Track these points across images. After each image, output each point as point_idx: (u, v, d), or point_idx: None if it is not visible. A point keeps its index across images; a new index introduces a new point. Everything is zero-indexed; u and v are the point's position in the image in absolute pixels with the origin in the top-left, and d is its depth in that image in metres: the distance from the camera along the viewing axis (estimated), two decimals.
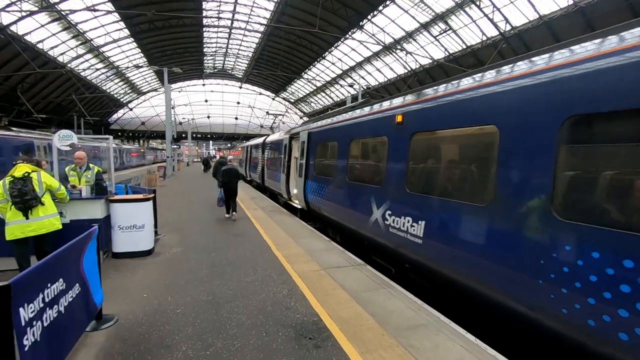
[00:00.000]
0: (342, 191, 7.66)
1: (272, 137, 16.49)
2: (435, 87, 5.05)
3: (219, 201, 10.90)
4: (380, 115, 6.33)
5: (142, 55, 46.98)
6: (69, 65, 39.73)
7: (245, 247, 7.22)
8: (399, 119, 5.47)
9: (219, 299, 4.64)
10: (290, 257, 6.48)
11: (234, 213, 10.20)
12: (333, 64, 45.55)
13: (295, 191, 12.25)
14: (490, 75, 4.04)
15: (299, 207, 11.06)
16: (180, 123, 63.49)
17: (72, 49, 38.72)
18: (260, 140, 20.10)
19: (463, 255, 4.07)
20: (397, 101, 6.01)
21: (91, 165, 7.00)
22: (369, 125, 6.75)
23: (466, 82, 4.40)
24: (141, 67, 45.29)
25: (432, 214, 4.63)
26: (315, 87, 55.45)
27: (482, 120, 3.95)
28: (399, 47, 35.95)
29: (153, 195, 7.34)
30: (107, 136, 8.44)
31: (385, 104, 6.42)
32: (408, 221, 5.08)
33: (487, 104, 3.89)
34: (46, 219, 5.28)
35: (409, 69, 37.69)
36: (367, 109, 7.23)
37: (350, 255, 6.65)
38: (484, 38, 29.30)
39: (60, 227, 5.48)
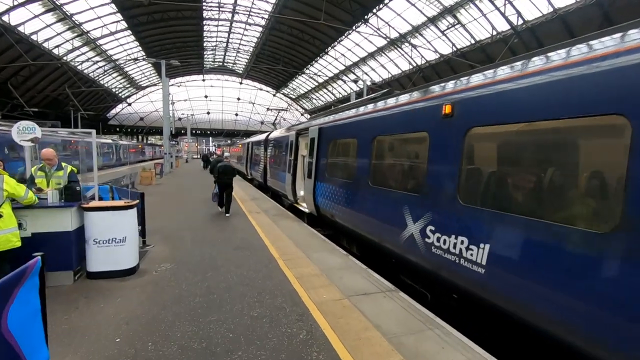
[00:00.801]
0: (362, 197, 6.45)
1: (276, 133, 15.23)
2: (510, 65, 3.80)
3: (213, 196, 10.90)
4: (416, 105, 5.10)
5: (140, 48, 45.53)
6: (64, 58, 38.32)
7: (249, 263, 6.02)
8: (447, 109, 4.25)
9: (216, 346, 3.44)
10: (304, 279, 5.28)
11: (227, 211, 10.38)
12: (336, 59, 44.21)
13: (302, 193, 11.05)
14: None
15: (307, 211, 9.86)
16: (180, 119, 62.23)
17: (67, 41, 37.29)
18: (262, 136, 18.85)
19: (558, 299, 2.88)
20: (439, 88, 4.79)
21: (64, 164, 5.79)
22: (401, 118, 5.52)
23: (577, 52, 3.08)
24: (138, 60, 43.77)
25: (506, 237, 3.42)
26: (317, 83, 54.09)
27: (599, 108, 2.72)
28: (404, 41, 34.66)
29: (138, 201, 6.11)
30: (89, 130, 7.20)
31: (422, 93, 5.20)
32: (462, 242, 3.88)
33: (612, 83, 2.67)
34: (2, 235, 4.13)
35: (415, 64, 36.41)
36: (395, 100, 6.00)
37: (377, 277, 5.44)
38: (494, 33, 28.03)
39: (19, 244, 4.31)
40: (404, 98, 5.71)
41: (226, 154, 25.70)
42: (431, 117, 4.59)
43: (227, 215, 10.19)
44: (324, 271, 5.64)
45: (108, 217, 5.19)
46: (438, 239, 4.27)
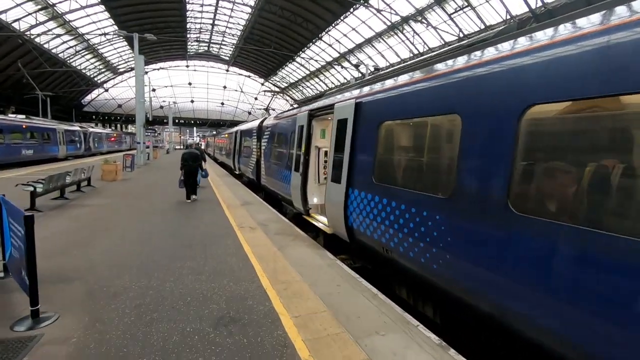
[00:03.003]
0: (488, 233, 3.17)
1: (274, 119, 11.70)
2: None
3: (179, 182, 10.65)
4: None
5: (115, 26, 40.64)
6: (27, 33, 33.38)
7: None
8: None
9: None
10: None
11: (194, 193, 10.73)
12: (330, 45, 40.55)
13: (315, 200, 7.73)
14: None
15: (328, 230, 6.54)
16: (161, 107, 57.48)
17: (30, 14, 32.38)
18: (254, 123, 15.22)
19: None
20: None
21: None
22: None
23: None
24: (109, 35, 38.82)
25: None
26: (309, 72, 50.32)
27: None
28: (406, 26, 31.41)
29: None
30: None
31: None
32: None
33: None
34: None
35: (417, 51, 33.25)
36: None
37: None
38: (508, 17, 25.09)
39: None
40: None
41: (190, 141, 22.16)
42: None
43: (193, 197, 10.60)
44: None
45: None
46: None
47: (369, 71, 29.33)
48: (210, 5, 39.34)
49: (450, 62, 3.85)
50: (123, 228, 7.14)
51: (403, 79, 4.59)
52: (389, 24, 32.43)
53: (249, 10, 38.92)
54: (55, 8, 33.17)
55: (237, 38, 46.75)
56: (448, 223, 3.48)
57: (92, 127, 36.20)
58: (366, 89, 5.47)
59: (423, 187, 3.94)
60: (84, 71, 48.63)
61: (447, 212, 3.49)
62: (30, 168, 18.44)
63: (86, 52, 44.91)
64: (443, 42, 30.28)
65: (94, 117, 57.69)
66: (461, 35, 28.53)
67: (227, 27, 45.05)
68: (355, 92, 5.77)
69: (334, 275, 4.89)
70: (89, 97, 58.17)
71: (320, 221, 7.05)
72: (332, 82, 49.03)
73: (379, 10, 31.52)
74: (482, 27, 27.12)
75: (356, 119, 5.35)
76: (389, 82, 4.94)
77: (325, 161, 7.72)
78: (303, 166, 7.54)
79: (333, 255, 5.80)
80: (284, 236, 6.88)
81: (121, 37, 44.18)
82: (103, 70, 53.09)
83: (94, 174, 14.89)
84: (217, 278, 4.67)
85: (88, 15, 36.67)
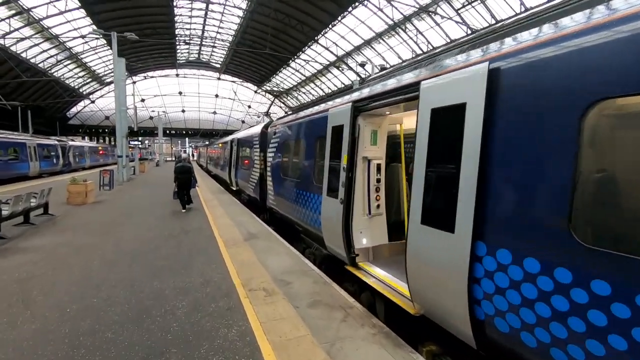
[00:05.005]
0: None
1: (285, 121, 8.76)
2: None
3: (174, 194, 11.35)
4: None
5: (98, 34, 37.58)
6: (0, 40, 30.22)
7: None
8: None
9: None
10: None
11: (189, 203, 11.02)
12: (327, 48, 38.04)
13: (365, 241, 4.90)
14: None
15: (412, 310, 3.65)
16: (151, 117, 54.26)
17: (2, 20, 29.28)
18: (255, 129, 12.25)
19: None
20: None
21: None
22: None
23: None
24: (85, 37, 35.74)
25: None
26: (304, 77, 47.70)
27: None
28: (409, 24, 29.08)
29: None
30: None
31: None
32: None
33: None
34: None
35: (420, 51, 30.87)
36: None
37: None
38: (522, 9, 22.83)
39: None
40: None
41: (183, 155, 20.13)
42: None
43: (188, 207, 10.83)
44: None
45: None
46: None
47: (375, 71, 26.76)
48: (200, 9, 36.61)
49: None
50: (56, 305, 4.23)
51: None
52: (390, 22, 30.05)
53: (240, 13, 36.27)
54: (31, 13, 30.13)
55: (228, 43, 43.99)
56: None
57: (73, 141, 32.85)
58: (510, 42, 2.70)
59: None
60: (67, 82, 45.31)
61: None
62: None
63: (69, 62, 41.65)
64: (449, 40, 27.94)
65: (80, 130, 54.16)
66: (468, 32, 26.25)
67: (217, 32, 42.30)
68: (476, 54, 2.98)
69: None
70: (74, 110, 54.67)
71: (384, 280, 4.23)
72: (329, 87, 46.47)
73: (379, 9, 29.20)
74: (493, 22, 24.84)
75: (494, 101, 2.58)
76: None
77: (378, 180, 4.92)
78: (346, 189, 4.71)
79: None
80: (325, 311, 4.04)
81: (106, 46, 41.18)
82: (88, 80, 49.78)
83: (59, 196, 11.89)
84: None
85: (68, 22, 33.64)
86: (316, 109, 6.46)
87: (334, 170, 5.12)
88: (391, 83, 4.15)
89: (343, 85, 42.58)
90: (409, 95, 3.64)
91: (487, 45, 3.01)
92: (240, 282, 4.91)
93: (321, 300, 4.31)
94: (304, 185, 6.58)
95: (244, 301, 4.27)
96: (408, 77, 3.86)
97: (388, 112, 4.70)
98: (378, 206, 4.96)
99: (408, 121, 5.24)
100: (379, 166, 4.89)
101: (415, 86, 3.49)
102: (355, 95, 4.97)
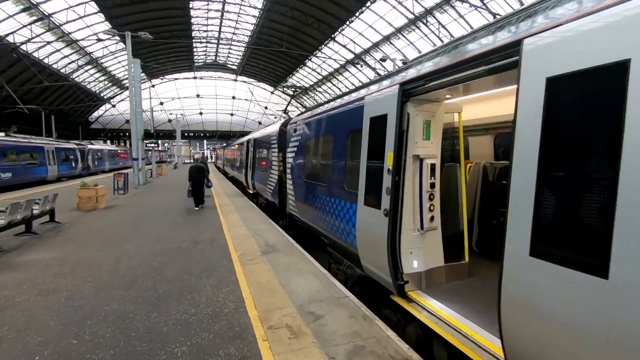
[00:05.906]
0: None
1: (306, 116, 7.62)
2: None
3: (188, 193, 11.88)
4: None
5: (118, 40, 37.74)
6: (22, 47, 30.55)
7: None
8: None
9: None
10: None
11: (202, 202, 11.74)
12: (344, 46, 36.85)
13: (416, 264, 3.79)
14: None
15: None
16: (169, 120, 54.46)
17: (24, 26, 29.55)
18: (272, 128, 11.21)
19: None
20: None
21: None
22: None
23: None
24: (102, 40, 36.00)
25: None
26: (321, 76, 46.63)
27: None
28: (430, 17, 27.59)
29: None
30: None
31: None
32: None
33: None
34: None
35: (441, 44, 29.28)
36: None
37: None
38: None
39: None
40: None
41: (197, 155, 20.06)
42: None
43: (200, 206, 11.64)
44: None
45: None
46: None
47: (397, 66, 25.44)
48: (216, 10, 36.16)
49: None
50: (24, 350, 3.31)
51: None
52: (411, 16, 28.61)
53: (256, 13, 35.59)
54: (51, 19, 30.32)
55: (244, 44, 43.45)
56: None
57: (92, 144, 32.91)
58: None
59: None
60: (88, 86, 45.87)
61: None
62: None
63: (90, 67, 42.08)
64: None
65: (101, 134, 54.94)
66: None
67: (234, 32, 41.83)
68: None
69: None
70: (96, 114, 55.50)
71: (447, 320, 3.10)
72: (346, 87, 45.26)
73: (399, 2, 27.84)
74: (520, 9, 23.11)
75: None
76: None
77: (432, 184, 3.78)
78: (392, 197, 3.61)
79: None
80: None
81: (125, 50, 41.38)
82: (109, 85, 50.36)
83: (71, 201, 11.29)
84: None
85: (88, 27, 33.79)
86: (346, 98, 5.35)
87: (373, 173, 4.03)
88: (471, 49, 3.00)
89: (361, 84, 41.41)
90: (496, 64, 2.51)
91: None
92: (257, 314, 3.88)
93: (364, 346, 3.22)
94: (333, 191, 5.50)
95: (262, 346, 3.23)
96: (490, 41, 2.72)
97: (449, 95, 3.57)
98: (432, 218, 3.83)
99: (468, 110, 4.08)
100: (433, 167, 3.76)
101: (511, 48, 2.36)
102: (401, 77, 3.84)
